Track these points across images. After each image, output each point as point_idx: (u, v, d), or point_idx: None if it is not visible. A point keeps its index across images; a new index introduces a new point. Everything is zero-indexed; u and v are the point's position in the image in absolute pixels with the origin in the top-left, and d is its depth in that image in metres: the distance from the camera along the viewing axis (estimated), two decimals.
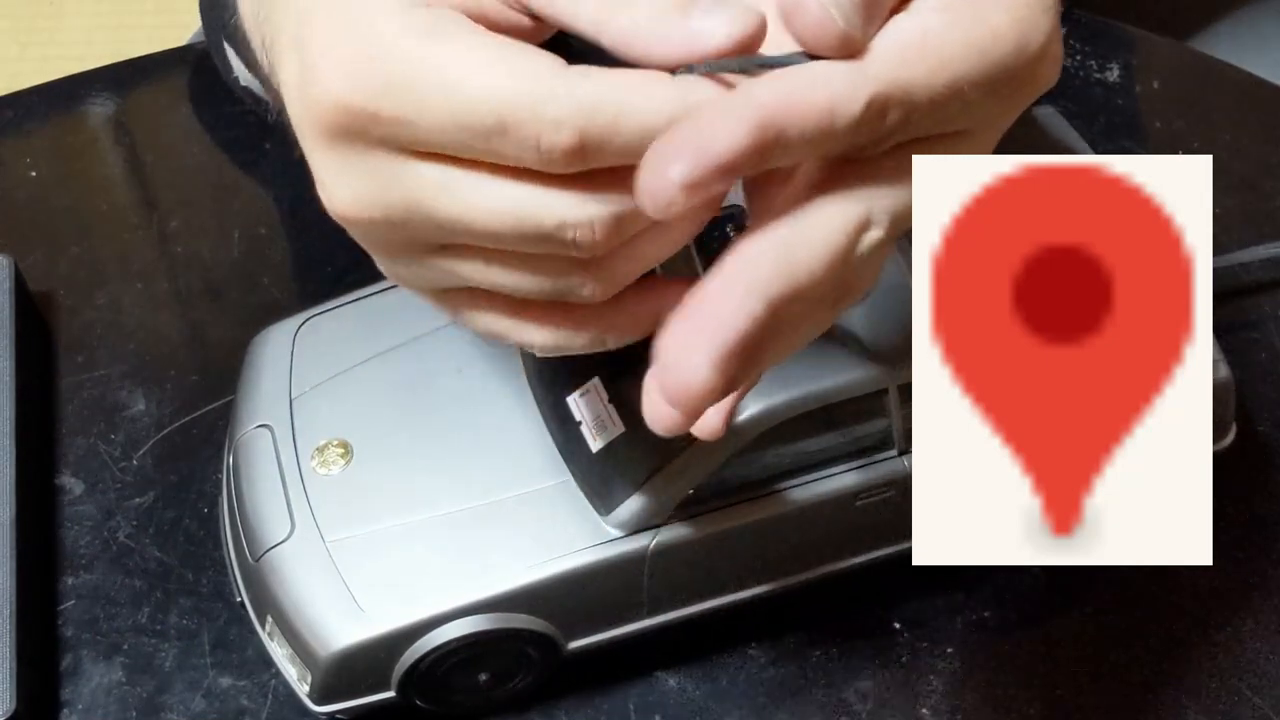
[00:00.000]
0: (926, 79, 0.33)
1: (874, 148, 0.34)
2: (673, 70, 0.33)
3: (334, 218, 0.37)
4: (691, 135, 0.31)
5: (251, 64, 0.44)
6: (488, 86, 0.32)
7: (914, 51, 0.33)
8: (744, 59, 0.32)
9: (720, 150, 0.31)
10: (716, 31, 0.32)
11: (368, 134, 0.34)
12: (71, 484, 0.59)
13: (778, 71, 0.32)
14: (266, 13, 0.40)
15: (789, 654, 0.54)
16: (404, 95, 0.33)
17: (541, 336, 0.38)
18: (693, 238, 0.37)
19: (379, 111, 0.33)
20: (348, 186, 0.36)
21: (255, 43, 0.44)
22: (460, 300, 0.39)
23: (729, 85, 0.33)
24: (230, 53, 0.62)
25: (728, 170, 0.31)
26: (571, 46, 0.35)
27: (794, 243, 0.33)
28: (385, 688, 0.49)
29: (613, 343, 0.38)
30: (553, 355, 0.39)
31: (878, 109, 0.32)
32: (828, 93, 0.32)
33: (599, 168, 0.33)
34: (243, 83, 0.63)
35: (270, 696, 0.53)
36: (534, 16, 0.36)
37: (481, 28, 0.34)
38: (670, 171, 0.31)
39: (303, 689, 0.49)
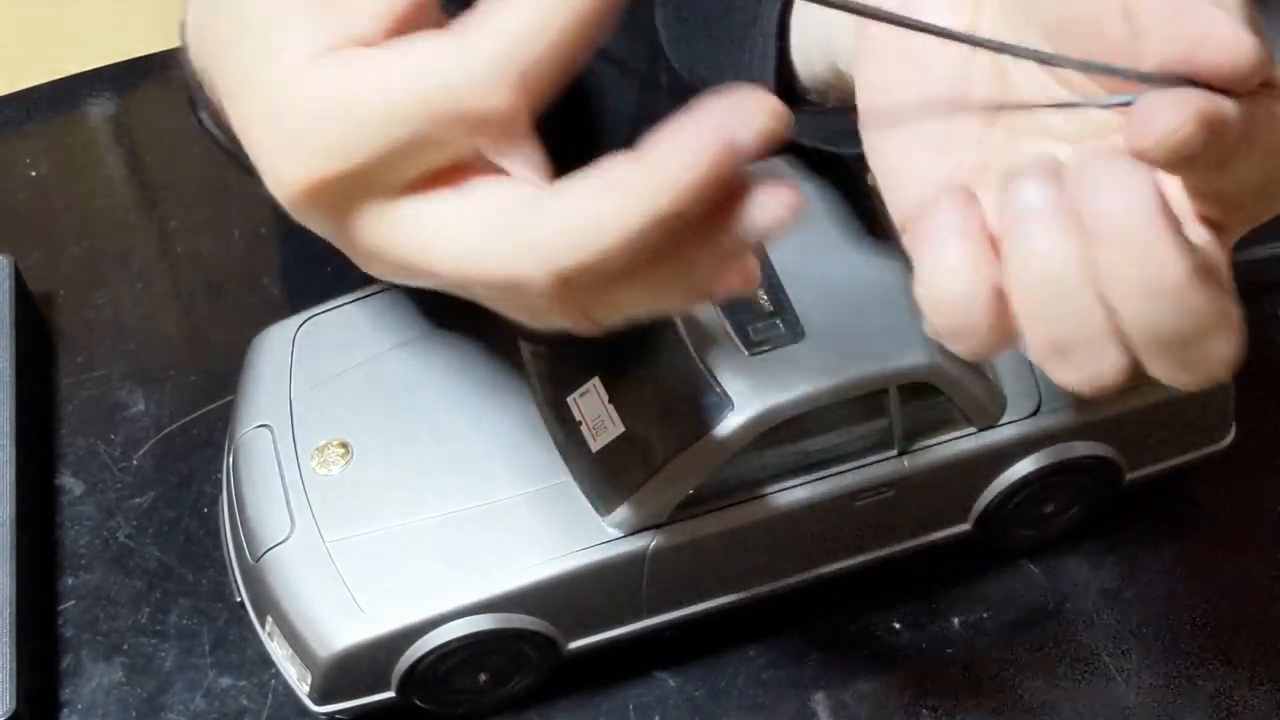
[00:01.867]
0: None
1: None
2: None
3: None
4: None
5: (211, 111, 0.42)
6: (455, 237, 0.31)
7: None
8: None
9: None
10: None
11: (344, 194, 0.32)
12: (71, 484, 0.59)
13: None
14: (212, 80, 0.37)
15: (789, 654, 0.54)
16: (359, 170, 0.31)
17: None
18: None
19: (344, 172, 0.31)
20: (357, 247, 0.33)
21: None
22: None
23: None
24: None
25: None
26: None
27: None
28: (385, 688, 0.49)
29: None
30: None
31: None
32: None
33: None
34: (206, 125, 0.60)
35: (270, 696, 0.53)
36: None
37: None
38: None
39: (303, 689, 0.49)
